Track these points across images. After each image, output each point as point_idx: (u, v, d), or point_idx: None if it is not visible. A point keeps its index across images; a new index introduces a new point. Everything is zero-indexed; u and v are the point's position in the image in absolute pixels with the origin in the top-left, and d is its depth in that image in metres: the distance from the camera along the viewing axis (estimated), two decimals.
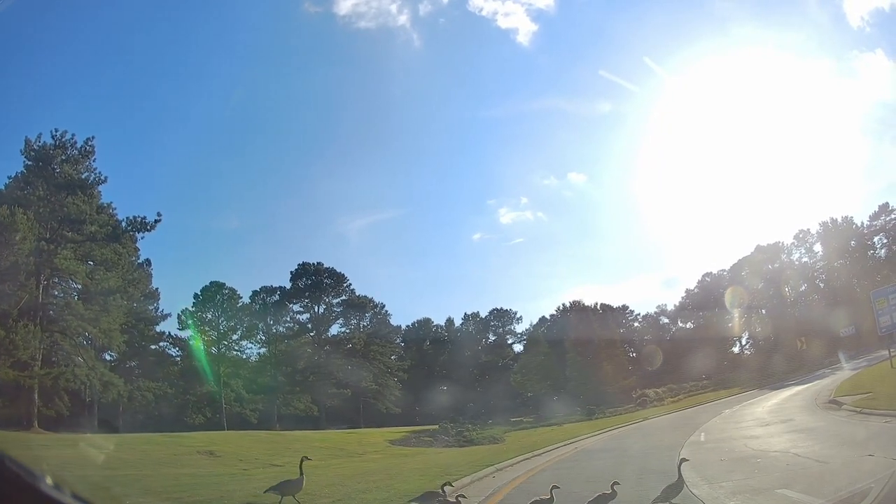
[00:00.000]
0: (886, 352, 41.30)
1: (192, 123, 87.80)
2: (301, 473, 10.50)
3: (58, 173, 42.40)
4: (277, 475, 16.92)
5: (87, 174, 44.23)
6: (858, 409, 18.59)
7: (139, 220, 46.26)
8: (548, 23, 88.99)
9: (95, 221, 42.90)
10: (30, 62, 58.11)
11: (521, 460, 16.96)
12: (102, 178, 44.62)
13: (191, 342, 59.22)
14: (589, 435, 25.91)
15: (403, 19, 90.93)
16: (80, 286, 43.49)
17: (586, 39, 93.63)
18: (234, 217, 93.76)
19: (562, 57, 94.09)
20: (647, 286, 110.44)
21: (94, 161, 44.13)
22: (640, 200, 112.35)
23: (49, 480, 1.65)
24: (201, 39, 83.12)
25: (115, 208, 46.38)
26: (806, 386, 34.68)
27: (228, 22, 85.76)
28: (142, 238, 48.19)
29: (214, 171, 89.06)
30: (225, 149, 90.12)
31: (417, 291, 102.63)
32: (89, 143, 43.73)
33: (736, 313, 70.16)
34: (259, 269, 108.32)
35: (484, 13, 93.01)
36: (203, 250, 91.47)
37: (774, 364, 52.66)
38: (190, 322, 59.78)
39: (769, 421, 20.15)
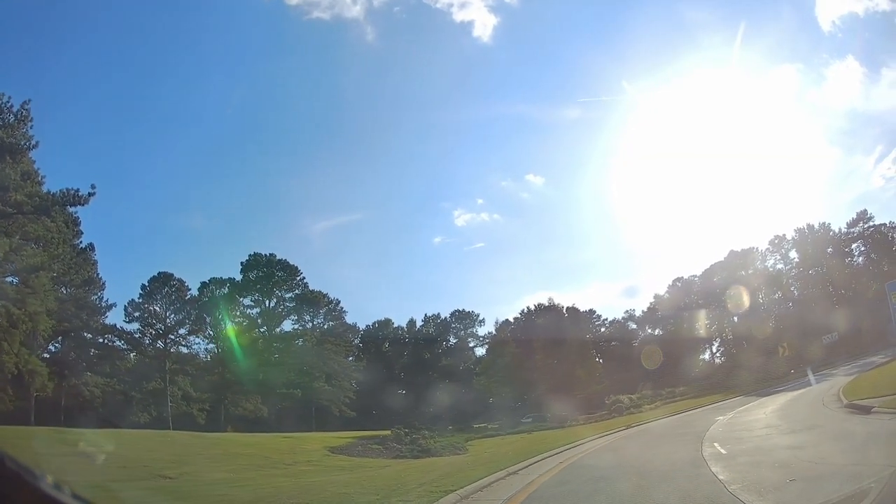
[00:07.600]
0: (875, 358, 39.02)
1: (151, 119, 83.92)
2: None
3: None
4: (152, 492, 12.14)
5: (21, 141, 39.18)
6: None
7: (72, 192, 40.97)
8: (509, 15, 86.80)
9: (20, 189, 37.76)
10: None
11: (493, 481, 12.18)
12: (33, 143, 39.66)
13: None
14: (569, 446, 21.54)
15: (357, 10, 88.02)
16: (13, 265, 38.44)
17: (550, 36, 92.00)
18: (197, 214, 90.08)
19: (522, 55, 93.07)
20: (607, 294, 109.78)
21: (31, 127, 39.35)
22: (603, 206, 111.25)
23: (49, 479, 1.49)
24: (165, 34, 79.16)
25: (43, 176, 41.15)
26: (800, 392, 31.45)
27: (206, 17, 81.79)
28: (75, 212, 43.91)
29: (178, 167, 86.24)
30: (189, 143, 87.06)
31: (379, 294, 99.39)
32: (25, 107, 38.95)
33: (705, 320, 68.13)
34: (219, 269, 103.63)
35: (439, 5, 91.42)
36: (160, 246, 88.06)
37: (754, 370, 49.86)
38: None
39: (790, 429, 16.40)
